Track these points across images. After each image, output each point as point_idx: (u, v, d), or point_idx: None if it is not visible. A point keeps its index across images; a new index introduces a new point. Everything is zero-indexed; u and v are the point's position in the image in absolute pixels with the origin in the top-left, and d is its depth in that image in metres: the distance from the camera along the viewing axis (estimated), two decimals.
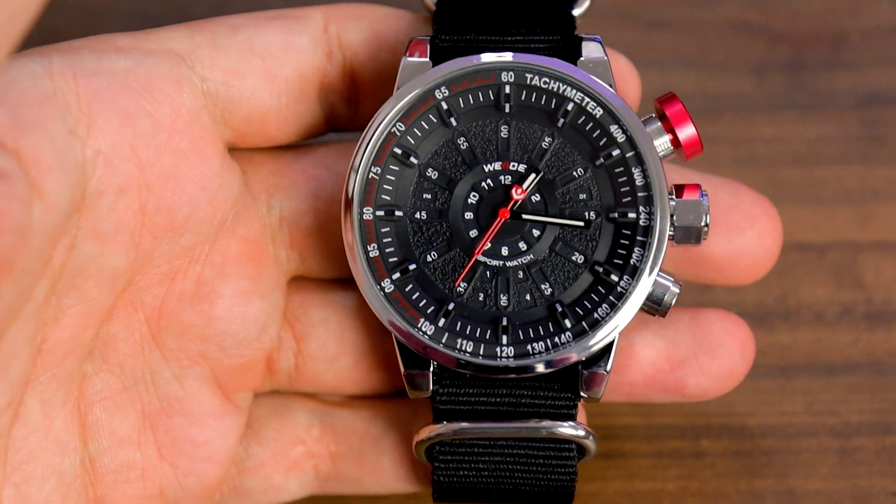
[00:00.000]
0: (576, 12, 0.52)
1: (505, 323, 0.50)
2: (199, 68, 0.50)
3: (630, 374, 0.53)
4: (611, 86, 0.50)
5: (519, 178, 0.50)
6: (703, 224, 0.50)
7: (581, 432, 0.50)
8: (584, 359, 0.50)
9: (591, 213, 0.50)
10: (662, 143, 0.51)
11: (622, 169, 0.50)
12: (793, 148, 0.64)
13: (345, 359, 0.53)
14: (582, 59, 0.50)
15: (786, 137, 0.64)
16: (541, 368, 0.50)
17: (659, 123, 0.51)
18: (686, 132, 0.50)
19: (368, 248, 0.50)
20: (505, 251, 0.50)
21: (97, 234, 0.48)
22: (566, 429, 0.50)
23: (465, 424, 0.50)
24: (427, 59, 0.50)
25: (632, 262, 0.50)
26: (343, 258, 0.51)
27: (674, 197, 0.50)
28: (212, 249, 0.51)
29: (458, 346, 0.50)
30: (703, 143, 0.51)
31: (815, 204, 0.62)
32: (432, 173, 0.50)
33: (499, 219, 0.50)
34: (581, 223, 0.50)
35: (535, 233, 0.50)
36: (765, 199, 0.54)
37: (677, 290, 0.50)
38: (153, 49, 0.49)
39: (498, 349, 0.50)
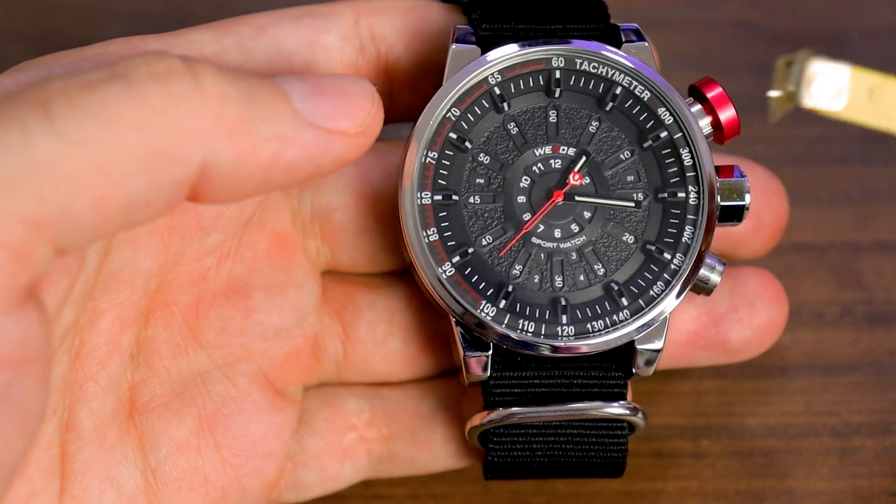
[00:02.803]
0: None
1: (564, 303, 0.51)
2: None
3: (673, 335, 0.53)
4: (655, 69, 0.51)
5: (569, 162, 0.51)
6: (745, 203, 0.51)
7: (631, 411, 0.51)
8: (641, 335, 0.51)
9: (640, 195, 0.51)
10: (705, 125, 0.52)
11: (670, 150, 0.51)
12: (793, 148, 0.63)
13: (393, 340, 0.54)
14: (625, 44, 0.52)
15: (786, 137, 0.64)
16: (600, 346, 0.51)
17: (700, 106, 0.52)
18: (727, 114, 0.52)
19: (427, 233, 0.51)
20: (558, 233, 0.51)
21: (131, 238, 0.48)
22: (618, 409, 0.51)
23: (517, 409, 0.51)
24: (475, 46, 0.51)
25: (683, 240, 0.51)
26: (378, 254, 0.52)
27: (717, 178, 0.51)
28: (240, 245, 0.52)
29: (519, 327, 0.50)
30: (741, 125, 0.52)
31: (815, 204, 0.62)
32: (484, 158, 0.51)
33: (552, 200, 0.51)
34: (632, 204, 0.51)
35: (587, 215, 0.51)
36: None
37: (722, 269, 0.51)
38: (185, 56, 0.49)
39: (559, 328, 0.50)
